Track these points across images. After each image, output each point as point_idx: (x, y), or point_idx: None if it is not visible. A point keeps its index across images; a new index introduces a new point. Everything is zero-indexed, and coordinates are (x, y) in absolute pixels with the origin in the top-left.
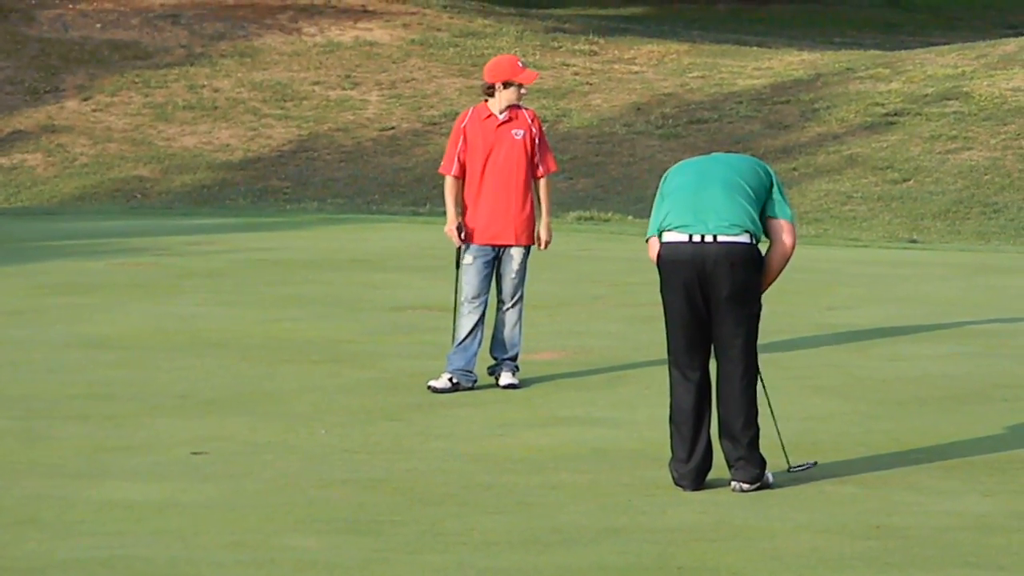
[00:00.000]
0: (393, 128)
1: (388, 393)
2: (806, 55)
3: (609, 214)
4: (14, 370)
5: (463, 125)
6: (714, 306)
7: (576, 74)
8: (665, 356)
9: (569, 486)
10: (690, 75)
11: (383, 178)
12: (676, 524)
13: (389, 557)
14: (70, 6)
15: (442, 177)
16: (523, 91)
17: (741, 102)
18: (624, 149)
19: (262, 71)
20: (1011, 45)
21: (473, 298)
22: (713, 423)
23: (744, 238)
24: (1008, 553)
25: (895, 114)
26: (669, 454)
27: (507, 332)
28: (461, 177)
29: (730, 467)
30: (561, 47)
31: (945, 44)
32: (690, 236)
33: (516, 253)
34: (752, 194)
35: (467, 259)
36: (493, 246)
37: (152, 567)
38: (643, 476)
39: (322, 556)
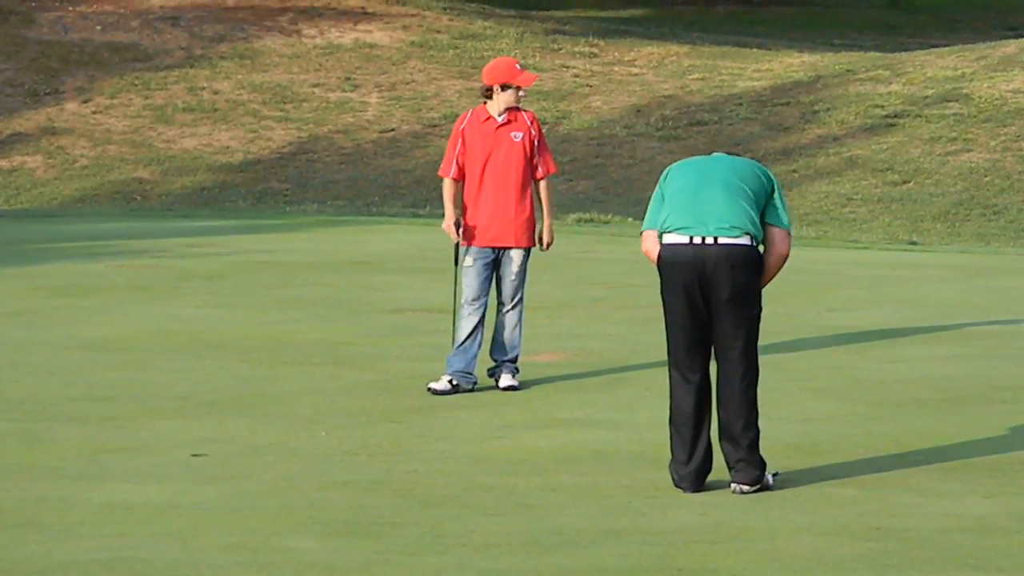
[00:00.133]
0: (393, 130)
1: (388, 395)
2: (806, 57)
3: (609, 216)
4: (14, 372)
5: (462, 127)
6: (714, 308)
7: (576, 76)
8: (665, 358)
9: (569, 488)
10: (690, 77)
11: (383, 180)
12: (676, 526)
13: (389, 559)
14: (70, 8)
15: (441, 178)
16: (521, 93)
17: (741, 104)
18: (624, 151)
19: (262, 73)
20: (1011, 47)
21: (473, 300)
22: (713, 425)
23: (744, 240)
24: (1008, 555)
25: (895, 116)
26: (669, 456)
27: (507, 334)
28: (460, 179)
29: (730, 469)
30: (561, 49)
31: (945, 46)
32: (691, 238)
33: (516, 255)
34: (752, 197)
35: (467, 261)
36: (493, 248)
37: (152, 569)
38: (643, 478)
39: (322, 558)
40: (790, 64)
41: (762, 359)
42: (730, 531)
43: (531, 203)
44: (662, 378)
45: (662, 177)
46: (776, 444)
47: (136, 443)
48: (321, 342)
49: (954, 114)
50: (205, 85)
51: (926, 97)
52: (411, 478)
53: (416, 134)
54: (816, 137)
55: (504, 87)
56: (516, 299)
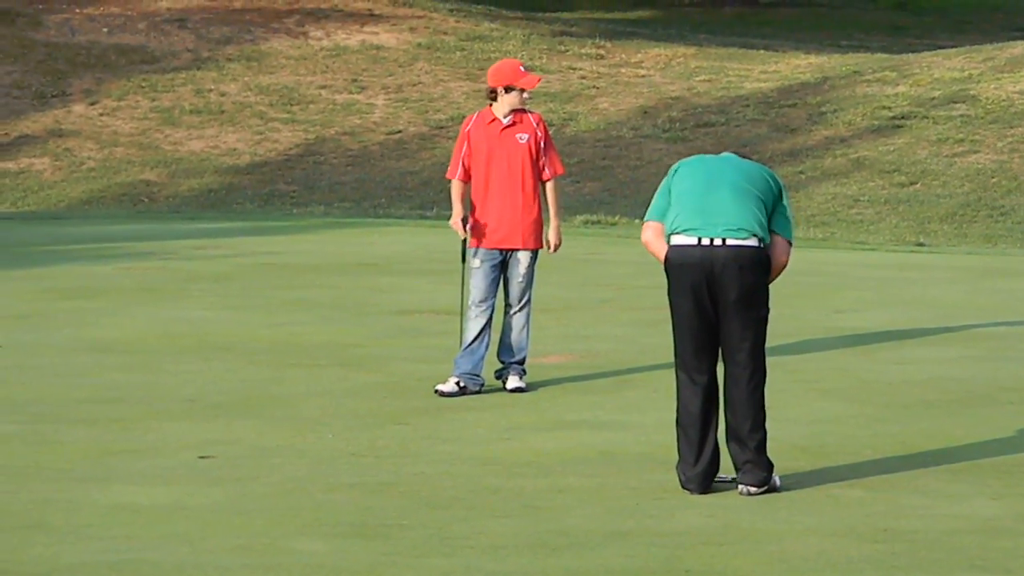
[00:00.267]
0: (400, 132)
1: (395, 397)
2: (813, 58)
3: (616, 218)
4: (21, 374)
5: (467, 130)
6: (722, 309)
7: (583, 78)
8: (672, 359)
9: (576, 490)
10: (697, 78)
11: (390, 182)
12: (683, 527)
13: (396, 561)
14: (77, 11)
15: (449, 180)
16: (525, 95)
17: (748, 105)
18: (631, 153)
19: (269, 75)
20: (1018, 48)
21: (480, 302)
22: (720, 426)
23: (752, 242)
24: (1016, 556)
25: (902, 117)
26: (676, 457)
27: (514, 336)
28: (466, 181)
29: (737, 470)
30: (568, 51)
31: (952, 47)
32: (699, 239)
33: (523, 257)
34: (761, 200)
35: (475, 263)
36: (500, 250)
37: (159, 571)
38: (650, 479)
39: (329, 560)
40: (797, 65)
41: (769, 360)
42: (737, 533)
43: (538, 205)
44: (669, 380)
45: (672, 170)
46: (783, 445)
47: (143, 445)
48: (328, 344)
49: (961, 115)
50: (212, 87)
51: (933, 98)
52: (418, 480)
53: (423, 136)
54: (823, 138)
55: (508, 89)
56: (523, 301)
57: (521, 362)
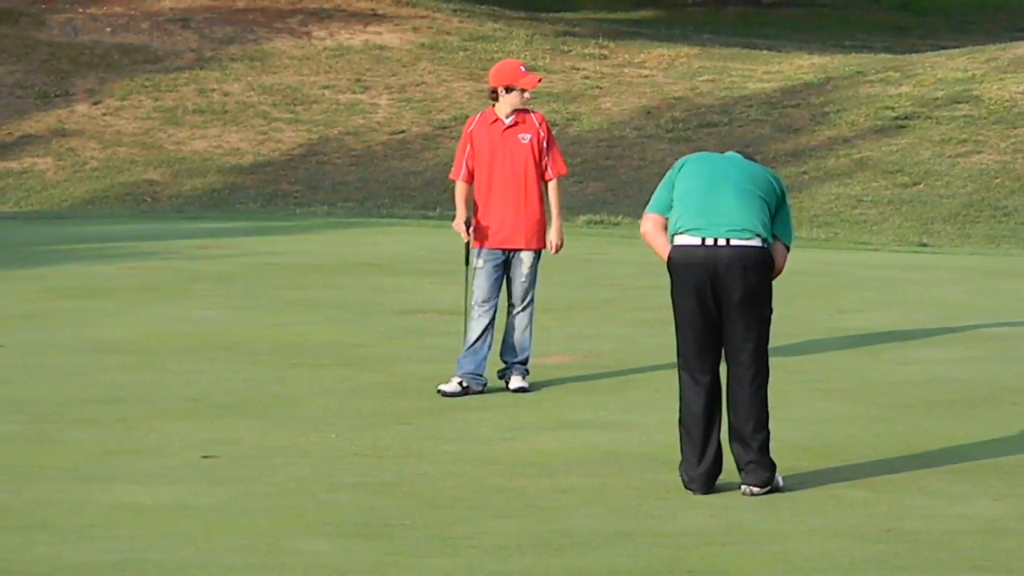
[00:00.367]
0: (403, 132)
1: (398, 397)
2: (816, 58)
3: (619, 218)
4: (24, 374)
5: (470, 130)
6: (725, 309)
7: (586, 78)
8: (675, 360)
9: (579, 490)
10: (700, 78)
11: (393, 182)
12: (686, 528)
13: (399, 561)
14: (80, 10)
15: (452, 181)
16: (526, 95)
17: (751, 105)
18: (634, 153)
19: (272, 75)
20: (1022, 48)
21: (483, 302)
22: (723, 427)
23: (756, 242)
24: (1018, 557)
25: (905, 117)
26: (679, 458)
27: (517, 336)
28: (470, 182)
29: (740, 471)
30: (571, 51)
31: (955, 47)
32: (703, 239)
33: (526, 257)
34: (764, 201)
35: (478, 263)
36: (503, 250)
37: (162, 570)
38: (653, 480)
39: (332, 560)
40: (800, 66)
41: (772, 361)
42: (740, 533)
43: (541, 205)
44: (672, 380)
45: (677, 165)
46: (786, 446)
47: (146, 445)
48: (331, 344)
49: (964, 116)
50: (215, 87)
51: (936, 99)
52: (421, 480)
53: (426, 136)
54: (826, 139)
55: (509, 89)
56: (526, 301)
57: (524, 362)
